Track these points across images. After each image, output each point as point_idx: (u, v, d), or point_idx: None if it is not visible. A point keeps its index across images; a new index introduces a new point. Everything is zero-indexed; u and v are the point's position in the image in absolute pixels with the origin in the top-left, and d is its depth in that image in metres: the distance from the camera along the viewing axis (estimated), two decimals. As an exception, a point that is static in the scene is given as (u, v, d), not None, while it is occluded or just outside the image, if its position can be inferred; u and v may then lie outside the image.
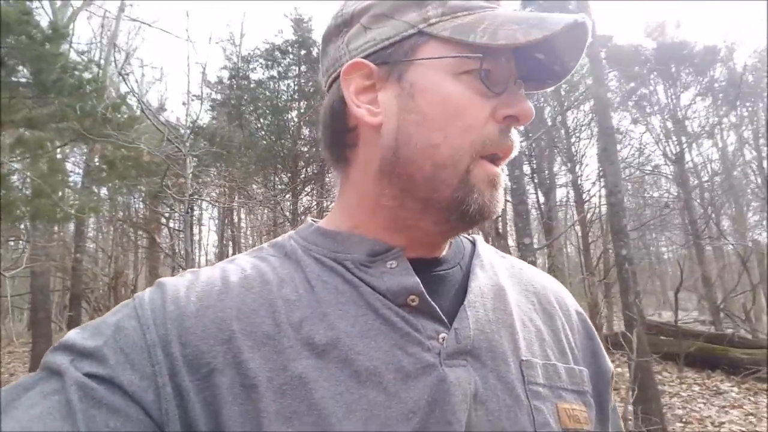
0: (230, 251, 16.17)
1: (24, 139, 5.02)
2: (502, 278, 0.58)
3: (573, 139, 12.03)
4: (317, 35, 12.83)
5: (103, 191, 10.91)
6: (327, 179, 13.00)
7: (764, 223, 12.10)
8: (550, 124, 8.92)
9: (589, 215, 10.62)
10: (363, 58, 0.53)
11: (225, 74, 13.01)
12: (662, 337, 9.05)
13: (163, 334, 0.44)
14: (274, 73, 12.48)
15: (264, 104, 12.18)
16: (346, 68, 0.53)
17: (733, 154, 13.90)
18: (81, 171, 10.34)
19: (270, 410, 0.42)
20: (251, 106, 12.09)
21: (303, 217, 12.62)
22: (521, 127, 0.55)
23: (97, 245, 15.19)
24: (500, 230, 8.50)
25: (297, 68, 12.53)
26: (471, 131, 0.49)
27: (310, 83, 12.19)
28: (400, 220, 0.53)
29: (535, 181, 13.10)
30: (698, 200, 12.26)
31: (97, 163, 8.26)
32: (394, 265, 0.51)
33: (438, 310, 0.49)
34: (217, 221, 16.79)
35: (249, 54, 12.77)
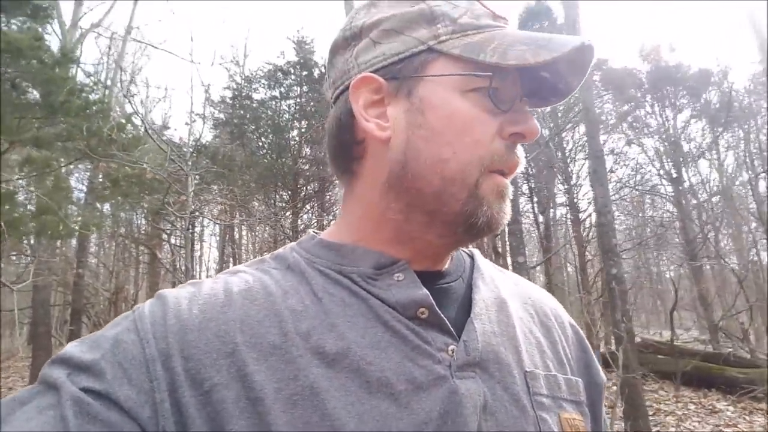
0: (231, 268, 16.20)
1: (31, 157, 5.19)
2: (503, 291, 0.59)
3: (569, 160, 12.19)
4: (319, 57, 13.12)
5: (106, 207, 11.07)
6: (327, 197, 13.16)
7: (763, 242, 12.17)
8: (544, 144, 9.08)
9: (585, 234, 10.72)
10: (372, 72, 0.53)
11: (228, 94, 13.27)
12: (659, 356, 9.08)
13: (163, 348, 0.43)
14: (276, 93, 12.73)
15: (266, 123, 12.40)
16: (356, 82, 0.54)
17: (729, 174, 14.02)
18: (84, 188, 10.54)
19: (280, 422, 0.41)
20: (253, 125, 12.31)
21: (302, 234, 12.71)
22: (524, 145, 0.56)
23: (99, 260, 15.28)
24: (499, 249, 8.61)
25: (299, 89, 12.79)
26: (479, 147, 0.50)
27: (312, 103, 12.42)
28: (405, 234, 0.53)
29: (534, 200, 13.25)
30: (696, 220, 12.34)
31: (101, 181, 8.43)
32: (401, 278, 0.51)
33: (447, 322, 0.50)
34: (218, 238, 16.92)
35: (252, 74, 13.05)
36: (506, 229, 6.28)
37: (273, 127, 12.32)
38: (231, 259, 15.78)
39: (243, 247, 16.73)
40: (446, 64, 0.51)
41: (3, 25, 4.67)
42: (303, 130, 12.64)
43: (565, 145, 12.28)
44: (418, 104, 0.51)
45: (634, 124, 13.90)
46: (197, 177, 6.78)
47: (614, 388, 5.87)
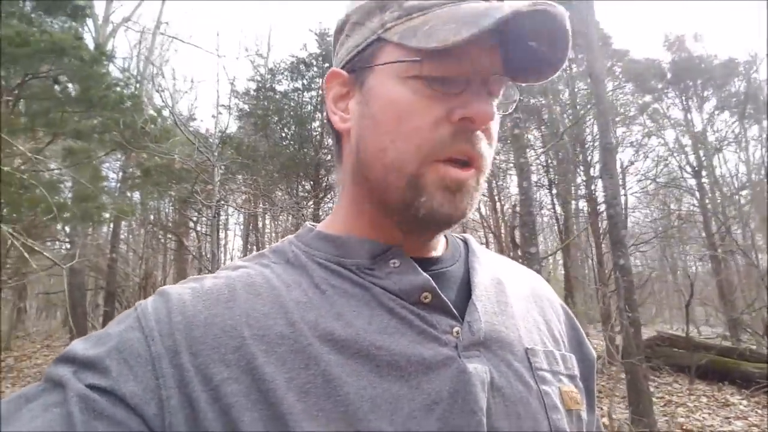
0: (254, 255, 16.64)
1: (72, 149, 5.56)
2: (499, 273, 0.60)
3: (589, 151, 12.15)
4: (341, 48, 13.34)
5: (135, 195, 11.54)
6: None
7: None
8: (559, 136, 9.13)
9: (602, 226, 10.74)
10: (344, 65, 0.55)
11: (252, 86, 13.60)
12: (675, 350, 9.11)
13: (170, 345, 0.44)
14: (299, 84, 13.00)
15: (288, 115, 12.70)
16: (327, 77, 0.57)
17: (756, 167, 13.79)
18: (116, 177, 11.03)
19: (295, 410, 0.41)
20: (276, 116, 12.62)
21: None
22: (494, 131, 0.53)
23: (129, 247, 15.88)
24: (517, 240, 8.73)
25: (320, 80, 13.02)
26: (416, 135, 0.48)
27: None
28: (378, 222, 0.54)
29: (553, 192, 13.27)
30: (719, 213, 12.21)
31: (133, 170, 8.83)
32: (397, 264, 0.52)
33: (450, 305, 0.51)
34: (242, 226, 17.37)
35: (275, 67, 13.36)
36: (518, 221, 6.41)
37: (295, 118, 12.61)
38: (254, 247, 16.20)
39: (266, 236, 17.14)
40: (390, 52, 0.50)
41: (47, 24, 5.03)
42: (325, 121, 12.89)
43: (585, 137, 12.24)
44: (366, 95, 0.52)
45: (654, 115, 13.74)
46: (223, 167, 7.11)
47: (621, 376, 6.01)
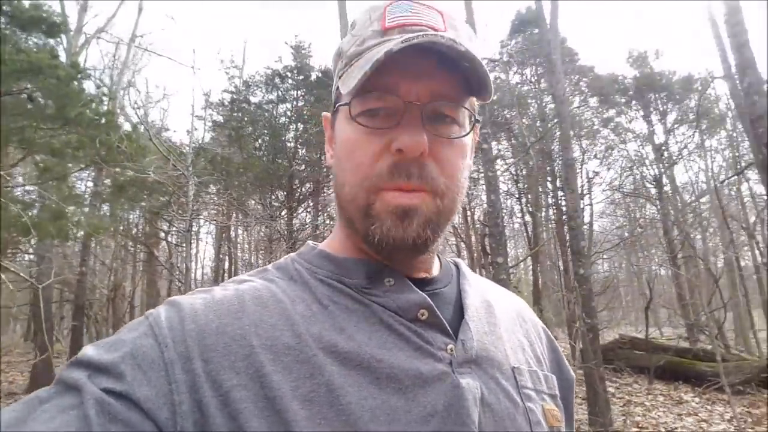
0: (226, 265, 16.60)
1: (47, 165, 5.55)
2: (488, 296, 0.63)
3: (555, 164, 12.62)
4: (315, 62, 13.54)
5: (105, 206, 11.39)
6: (321, 197, 13.54)
7: (739, 242, 12.67)
8: (525, 151, 9.53)
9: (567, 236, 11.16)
10: (333, 105, 0.60)
11: (227, 97, 13.64)
12: (636, 351, 9.55)
13: (182, 351, 0.45)
14: (273, 96, 13.11)
15: (262, 126, 12.79)
16: (323, 120, 0.64)
17: (715, 176, 14.51)
18: (86, 190, 10.86)
19: (299, 418, 0.43)
20: (250, 127, 12.69)
21: (297, 234, 13.13)
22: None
23: (97, 258, 15.59)
24: (488, 249, 9.04)
25: (295, 92, 13.17)
26: (360, 169, 0.52)
27: (307, 106, 12.81)
28: (362, 248, 0.57)
29: (522, 201, 13.71)
30: (676, 221, 12.81)
31: (106, 184, 8.77)
32: (391, 282, 0.54)
33: (445, 323, 0.53)
34: (213, 236, 17.24)
35: (250, 79, 13.44)
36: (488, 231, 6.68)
37: (270, 130, 12.70)
38: (227, 257, 16.13)
39: (239, 246, 17.07)
40: (341, 97, 0.55)
41: (22, 42, 5.04)
42: (299, 132, 13.03)
43: (552, 150, 12.70)
44: (335, 136, 0.59)
45: (618, 129, 14.37)
46: (197, 181, 7.17)
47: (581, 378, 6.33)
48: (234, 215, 12.29)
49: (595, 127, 14.04)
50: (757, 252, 12.89)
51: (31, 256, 10.35)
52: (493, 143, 11.93)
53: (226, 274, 16.75)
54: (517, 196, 13.98)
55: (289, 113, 13.09)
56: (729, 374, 7.23)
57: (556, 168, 12.51)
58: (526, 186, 13.57)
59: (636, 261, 16.96)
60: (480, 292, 0.63)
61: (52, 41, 5.41)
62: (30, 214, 4.81)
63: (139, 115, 5.60)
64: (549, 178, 12.89)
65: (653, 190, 13.73)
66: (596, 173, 13.52)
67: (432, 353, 0.51)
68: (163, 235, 13.84)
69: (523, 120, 12.39)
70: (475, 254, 11.92)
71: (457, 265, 0.67)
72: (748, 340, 12.32)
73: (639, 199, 15.04)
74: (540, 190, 13.59)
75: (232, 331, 0.47)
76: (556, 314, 12.67)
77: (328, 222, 14.07)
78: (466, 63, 0.50)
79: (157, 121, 13.69)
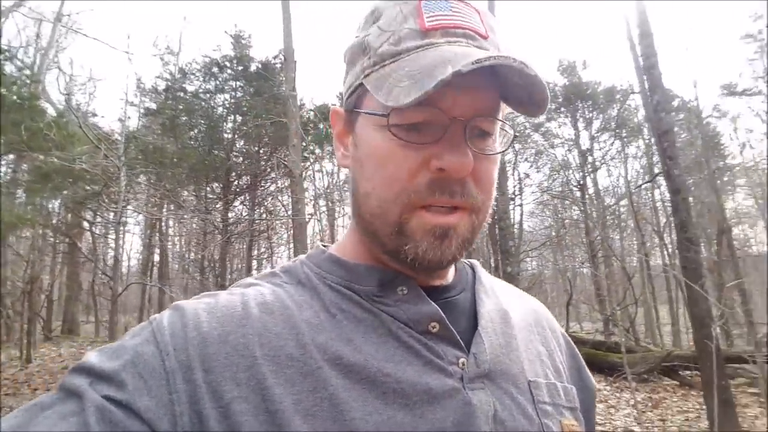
0: (156, 258, 15.97)
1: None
2: (504, 303, 0.60)
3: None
4: (256, 52, 13.30)
5: (19, 192, 10.61)
6: (259, 191, 13.34)
7: (651, 243, 13.84)
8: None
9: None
10: (343, 102, 0.56)
11: (161, 84, 13.10)
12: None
13: (183, 359, 0.44)
14: (211, 86, 12.74)
15: (199, 116, 12.40)
16: (331, 115, 0.58)
17: (629, 183, 15.68)
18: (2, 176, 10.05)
19: None
20: (186, 117, 12.28)
21: (233, 227, 12.87)
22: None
23: (13, 249, 14.51)
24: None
25: (234, 83, 12.87)
26: (395, 184, 0.48)
27: (247, 98, 12.56)
28: (379, 257, 0.54)
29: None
30: (597, 222, 13.76)
31: (27, 173, 8.20)
32: (405, 291, 0.52)
33: (457, 336, 0.51)
34: (142, 226, 16.50)
35: (186, 66, 12.97)
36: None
37: (206, 120, 12.35)
38: (156, 249, 15.52)
39: (170, 239, 16.47)
40: (369, 100, 0.51)
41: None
42: (237, 124, 12.76)
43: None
44: (356, 137, 0.53)
45: (547, 134, 15.22)
46: (126, 167, 6.86)
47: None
48: (166, 206, 11.86)
49: (527, 131, 14.77)
50: (665, 252, 14.15)
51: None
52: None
53: (155, 267, 16.10)
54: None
55: (227, 104, 12.78)
56: (635, 364, 7.95)
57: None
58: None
59: (561, 259, 18.01)
60: (496, 298, 0.60)
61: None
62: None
63: (65, 99, 5.29)
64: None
65: (578, 193, 14.67)
66: (527, 175, 14.25)
67: (442, 368, 0.49)
68: (87, 225, 13.08)
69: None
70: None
71: (473, 268, 0.63)
72: (655, 334, 13.53)
73: (566, 201, 16.00)
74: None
75: (235, 340, 0.46)
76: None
77: (265, 216, 13.89)
78: (531, 87, 0.48)
79: (84, 104, 12.88)
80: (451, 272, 0.59)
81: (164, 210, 11.95)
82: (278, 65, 12.08)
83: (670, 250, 13.57)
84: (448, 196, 0.48)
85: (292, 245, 11.85)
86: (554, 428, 0.52)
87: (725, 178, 16.65)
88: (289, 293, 0.52)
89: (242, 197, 13.49)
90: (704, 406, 4.84)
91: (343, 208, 15.73)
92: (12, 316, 12.53)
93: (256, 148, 12.90)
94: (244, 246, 15.16)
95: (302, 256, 0.59)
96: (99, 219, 12.38)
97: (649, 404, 6.77)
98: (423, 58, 0.47)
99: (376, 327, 0.50)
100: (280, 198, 13.95)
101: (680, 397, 7.17)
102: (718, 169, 15.15)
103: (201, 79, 12.78)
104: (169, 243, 16.27)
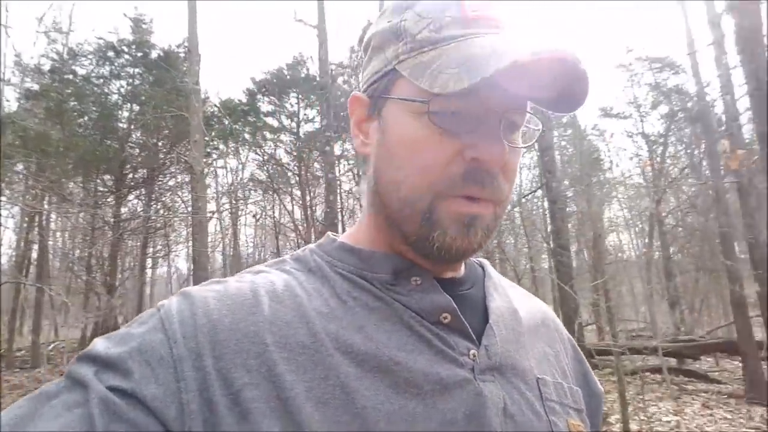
0: (34, 255, 14.52)
1: None
2: (513, 301, 0.60)
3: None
4: (157, 38, 12.62)
5: None
6: (157, 185, 12.65)
7: (537, 249, 15.09)
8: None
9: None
10: (366, 88, 0.56)
11: (47, 64, 11.95)
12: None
13: (193, 347, 0.43)
14: (105, 71, 11.88)
15: (90, 102, 11.50)
16: (350, 101, 0.57)
17: (521, 191, 16.97)
18: None
19: (312, 421, 0.41)
20: (75, 101, 11.33)
21: (126, 223, 12.09)
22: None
23: None
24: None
25: (132, 70, 12.11)
26: (429, 172, 0.48)
27: (146, 86, 11.88)
28: (397, 247, 0.54)
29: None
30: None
31: None
32: (419, 281, 0.52)
33: (469, 328, 0.51)
34: (17, 219, 14.95)
35: (77, 47, 11.95)
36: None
37: (99, 107, 11.49)
38: (37, 244, 14.13)
39: (52, 234, 15.07)
40: (403, 85, 0.51)
41: None
42: (134, 114, 12.01)
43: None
44: (383, 124, 0.53)
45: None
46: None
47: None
48: (48, 198, 10.89)
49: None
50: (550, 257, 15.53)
51: None
52: (337, 144, 12.44)
53: (32, 265, 14.64)
54: (357, 196, 14.69)
55: (123, 92, 11.98)
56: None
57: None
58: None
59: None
60: (505, 296, 0.61)
61: None
62: None
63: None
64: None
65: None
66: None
67: (454, 358, 0.49)
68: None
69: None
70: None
71: (482, 266, 0.64)
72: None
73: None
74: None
75: (245, 328, 0.46)
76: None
77: (162, 212, 13.20)
78: (579, 82, 0.49)
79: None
80: (462, 266, 0.59)
81: (45, 203, 10.91)
82: (182, 54, 11.56)
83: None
84: (480, 186, 0.48)
85: (190, 243, 11.40)
86: (561, 426, 0.52)
87: (604, 190, 18.55)
88: (299, 281, 0.52)
89: (137, 192, 12.72)
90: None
91: (247, 206, 15.38)
92: None
93: (155, 141, 12.22)
94: (138, 243, 14.31)
95: (312, 245, 0.59)
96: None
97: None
98: (471, 46, 0.47)
99: (388, 315, 0.50)
100: (180, 194, 13.33)
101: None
102: (598, 181, 16.87)
103: (94, 62, 11.85)
104: (50, 239, 14.88)
